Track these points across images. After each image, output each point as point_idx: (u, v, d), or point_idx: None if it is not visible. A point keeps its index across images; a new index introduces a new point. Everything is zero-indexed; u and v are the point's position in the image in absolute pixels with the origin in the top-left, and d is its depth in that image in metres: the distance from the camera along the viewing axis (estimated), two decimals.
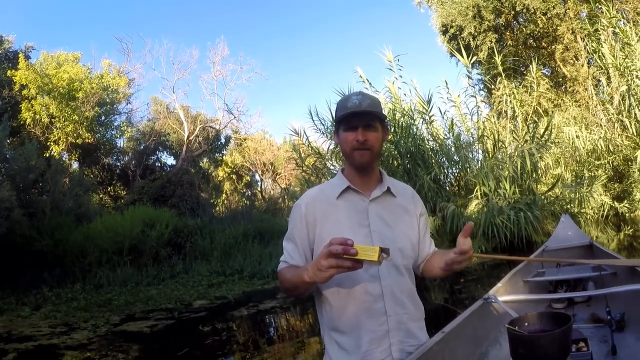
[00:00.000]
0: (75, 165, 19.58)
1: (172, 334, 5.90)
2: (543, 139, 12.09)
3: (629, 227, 11.04)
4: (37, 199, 11.54)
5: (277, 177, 29.18)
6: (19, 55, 17.01)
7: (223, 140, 24.71)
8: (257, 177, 30.32)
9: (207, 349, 5.08)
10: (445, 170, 13.03)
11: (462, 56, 13.02)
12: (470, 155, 12.64)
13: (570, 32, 18.77)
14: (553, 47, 19.81)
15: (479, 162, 12.36)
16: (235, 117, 24.12)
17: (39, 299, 8.18)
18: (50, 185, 12.21)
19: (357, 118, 1.47)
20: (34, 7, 36.79)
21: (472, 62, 13.51)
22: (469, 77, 13.31)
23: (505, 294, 2.75)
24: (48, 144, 17.33)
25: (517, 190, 11.08)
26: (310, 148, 14.94)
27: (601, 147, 14.16)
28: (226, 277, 10.15)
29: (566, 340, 1.46)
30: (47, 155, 16.44)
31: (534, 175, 11.68)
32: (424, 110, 12.94)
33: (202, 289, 9.08)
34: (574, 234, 4.58)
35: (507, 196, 10.78)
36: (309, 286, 1.37)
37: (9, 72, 16.64)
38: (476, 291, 6.65)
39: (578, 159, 14.54)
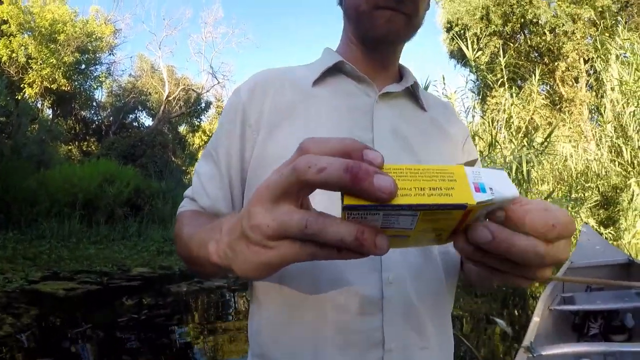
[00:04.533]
0: (49, 112, 18.74)
1: (88, 302, 5.13)
2: (542, 146, 11.47)
3: None
4: None
5: None
6: None
7: (203, 105, 23.91)
8: None
9: (112, 329, 4.24)
10: None
11: (467, 48, 12.43)
12: None
13: (575, 52, 18.37)
14: (555, 64, 19.35)
15: None
16: (219, 82, 23.47)
17: None
18: (14, 127, 11.52)
19: None
20: None
21: (474, 57, 12.90)
22: (472, 71, 12.74)
23: (546, 340, 2.21)
24: (22, 85, 16.52)
25: None
26: None
27: (594, 169, 13.60)
28: None
29: None
30: (20, 97, 15.65)
31: (525, 186, 11.13)
32: None
33: (148, 255, 8.40)
34: (603, 247, 3.79)
35: None
36: (217, 270, 0.51)
37: None
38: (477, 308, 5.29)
39: (566, 179, 13.97)
